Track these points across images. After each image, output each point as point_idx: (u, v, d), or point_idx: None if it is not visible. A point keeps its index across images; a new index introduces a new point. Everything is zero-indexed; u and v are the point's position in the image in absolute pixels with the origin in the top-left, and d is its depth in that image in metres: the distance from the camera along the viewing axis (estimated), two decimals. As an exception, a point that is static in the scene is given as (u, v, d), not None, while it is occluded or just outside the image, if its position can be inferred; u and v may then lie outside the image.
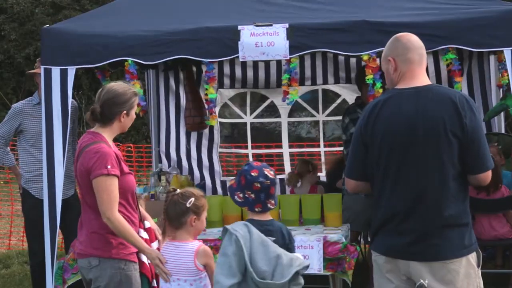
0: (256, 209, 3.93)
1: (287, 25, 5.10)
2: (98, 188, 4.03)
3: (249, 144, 9.09)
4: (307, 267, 3.87)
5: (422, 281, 3.54)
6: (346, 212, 6.01)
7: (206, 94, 5.58)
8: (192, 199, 4.08)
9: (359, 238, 6.83)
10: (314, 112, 8.93)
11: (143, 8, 5.75)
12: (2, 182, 11.24)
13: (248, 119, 9.04)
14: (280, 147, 9.15)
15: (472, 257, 3.60)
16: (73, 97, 5.71)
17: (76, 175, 4.23)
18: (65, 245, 6.29)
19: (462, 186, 3.60)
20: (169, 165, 7.67)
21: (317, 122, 9.53)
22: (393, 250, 3.60)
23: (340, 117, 7.06)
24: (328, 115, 8.85)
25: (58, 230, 5.49)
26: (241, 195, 3.95)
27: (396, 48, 3.71)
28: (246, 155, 9.17)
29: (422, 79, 3.65)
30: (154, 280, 4.25)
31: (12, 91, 17.60)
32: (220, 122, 8.53)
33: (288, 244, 3.90)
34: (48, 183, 5.46)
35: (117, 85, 4.29)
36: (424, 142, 3.55)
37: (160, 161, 7.89)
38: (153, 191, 6.12)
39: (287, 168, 8.82)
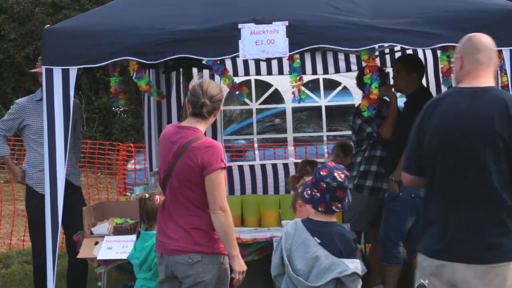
0: (320, 209, 3.94)
1: (286, 23, 5.11)
2: (215, 181, 4.08)
3: (255, 129, 9.17)
4: (353, 275, 3.83)
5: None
6: (349, 212, 6.01)
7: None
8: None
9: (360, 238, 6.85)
10: (316, 98, 9.05)
11: (143, 7, 5.74)
12: (2, 182, 11.26)
13: (254, 105, 9.12)
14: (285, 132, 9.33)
15: None
16: (74, 97, 5.73)
17: (166, 169, 4.22)
18: (67, 244, 6.31)
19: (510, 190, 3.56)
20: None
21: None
22: (440, 251, 3.58)
23: (341, 103, 7.10)
24: (330, 101, 8.97)
25: (60, 227, 5.48)
26: (309, 191, 3.98)
27: (465, 47, 3.73)
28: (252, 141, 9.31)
29: (485, 81, 3.66)
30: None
31: (12, 90, 17.57)
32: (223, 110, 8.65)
33: (342, 250, 3.85)
34: (50, 182, 5.44)
35: (215, 84, 4.35)
36: (472, 142, 3.54)
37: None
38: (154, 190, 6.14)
39: (291, 153, 8.92)
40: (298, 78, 5.34)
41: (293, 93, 5.46)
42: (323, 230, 3.91)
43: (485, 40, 3.76)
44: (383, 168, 6.47)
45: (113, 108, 5.67)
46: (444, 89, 7.62)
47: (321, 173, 3.95)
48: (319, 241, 3.87)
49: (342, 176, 3.91)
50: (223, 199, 4.08)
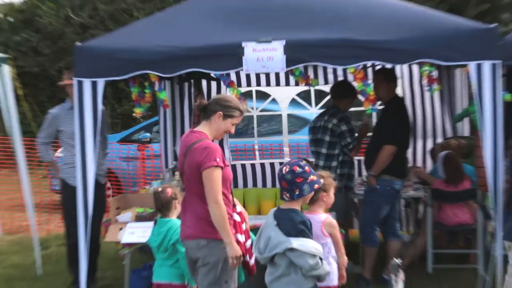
0: (282, 196, 3.97)
1: (284, 42, 5.07)
2: (209, 177, 4.00)
3: (255, 133, 9.17)
4: (295, 251, 3.78)
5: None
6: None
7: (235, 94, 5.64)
8: (322, 180, 4.10)
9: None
10: (308, 106, 9.05)
11: (160, 27, 5.70)
12: (41, 177, 11.24)
13: (255, 112, 9.11)
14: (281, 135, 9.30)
15: None
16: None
17: (180, 167, 4.24)
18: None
19: None
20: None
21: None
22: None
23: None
24: (320, 108, 8.97)
25: (90, 216, 5.43)
26: None
27: None
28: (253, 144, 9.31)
29: None
30: (247, 255, 4.24)
31: (47, 99, 17.57)
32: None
33: (289, 231, 3.83)
34: (82, 176, 5.41)
35: (231, 96, 4.37)
36: None
37: (175, 159, 7.90)
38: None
39: (286, 152, 8.91)
40: (303, 79, 5.36)
41: (306, 83, 5.45)
42: (281, 215, 3.91)
43: None
44: (352, 170, 6.54)
45: (133, 114, 5.72)
46: (427, 95, 7.66)
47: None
48: (275, 223, 3.88)
49: (287, 170, 3.90)
50: (216, 193, 4.00)
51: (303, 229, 3.85)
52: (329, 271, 3.89)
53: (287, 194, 3.91)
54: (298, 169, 3.88)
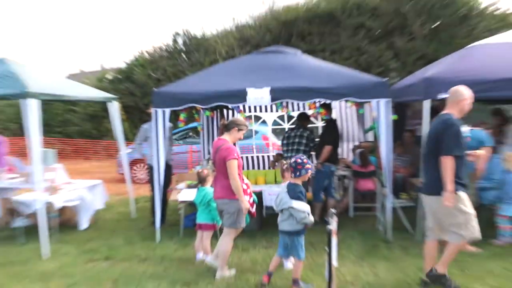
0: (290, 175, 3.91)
1: (270, 88, 5.08)
2: (230, 165, 3.96)
3: (253, 138, 9.18)
4: (294, 208, 3.75)
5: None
6: None
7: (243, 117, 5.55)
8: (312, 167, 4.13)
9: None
10: (282, 123, 9.05)
11: (201, 80, 5.68)
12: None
13: (254, 127, 9.10)
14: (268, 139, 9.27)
15: None
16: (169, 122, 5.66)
17: (213, 159, 4.18)
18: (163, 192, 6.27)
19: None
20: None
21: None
22: None
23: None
24: (291, 125, 8.94)
25: (162, 184, 5.44)
26: None
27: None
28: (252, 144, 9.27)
29: (444, 111, 3.70)
30: (251, 207, 4.15)
31: (139, 120, 17.44)
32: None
33: (292, 195, 3.80)
34: (157, 162, 5.44)
35: (241, 118, 4.27)
36: (428, 141, 3.67)
37: (209, 153, 7.90)
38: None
39: (271, 149, 8.90)
40: (283, 107, 5.37)
41: (285, 110, 5.46)
42: (289, 186, 3.87)
43: (452, 90, 3.71)
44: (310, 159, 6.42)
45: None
46: (354, 115, 7.63)
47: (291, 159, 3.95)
48: (286, 190, 3.84)
49: (293, 160, 3.87)
50: (234, 173, 3.98)
51: (300, 196, 3.84)
52: (313, 221, 3.83)
53: (292, 174, 3.87)
54: (299, 160, 3.87)
